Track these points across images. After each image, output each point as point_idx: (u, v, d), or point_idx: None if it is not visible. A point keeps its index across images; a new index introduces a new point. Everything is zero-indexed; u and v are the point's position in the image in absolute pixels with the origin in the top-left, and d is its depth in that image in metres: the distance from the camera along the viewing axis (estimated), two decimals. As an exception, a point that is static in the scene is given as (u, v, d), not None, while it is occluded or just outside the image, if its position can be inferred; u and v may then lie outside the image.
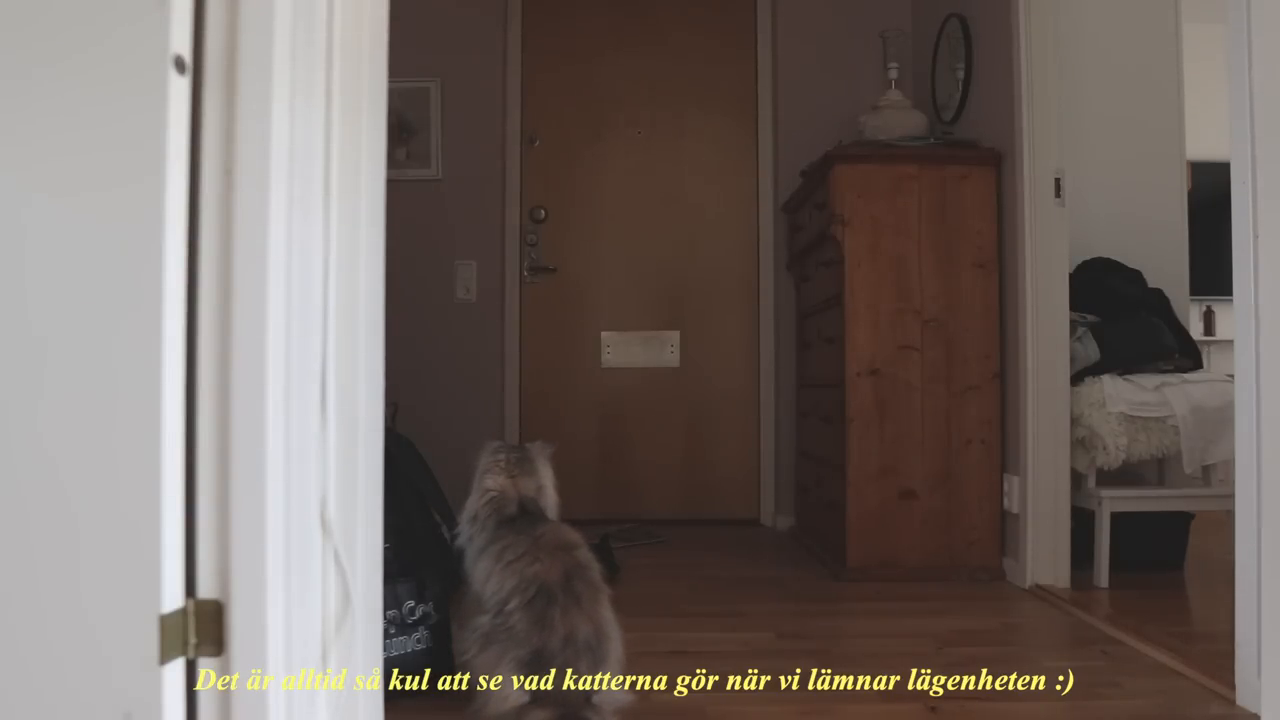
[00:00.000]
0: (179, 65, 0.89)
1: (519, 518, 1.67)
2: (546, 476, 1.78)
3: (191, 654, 0.90)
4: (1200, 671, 1.87)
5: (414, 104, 3.83)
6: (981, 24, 3.01)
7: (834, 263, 2.93)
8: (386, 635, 1.67)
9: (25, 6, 0.89)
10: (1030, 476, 2.64)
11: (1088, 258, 3.05)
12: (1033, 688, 1.80)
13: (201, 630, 0.90)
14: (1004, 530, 2.80)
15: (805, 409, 3.49)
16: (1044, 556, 2.64)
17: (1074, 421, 2.66)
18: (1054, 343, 2.66)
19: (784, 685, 1.81)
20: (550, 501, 1.76)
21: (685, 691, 1.78)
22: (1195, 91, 3.43)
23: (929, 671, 1.89)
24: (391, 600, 1.69)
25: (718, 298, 3.92)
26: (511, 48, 3.90)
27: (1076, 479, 2.71)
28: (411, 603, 1.75)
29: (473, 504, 1.72)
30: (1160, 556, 2.92)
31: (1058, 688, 1.80)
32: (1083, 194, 3.06)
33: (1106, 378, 2.68)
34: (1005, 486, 2.78)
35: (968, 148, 2.92)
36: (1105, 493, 2.65)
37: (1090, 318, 2.85)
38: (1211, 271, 3.53)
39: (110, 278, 0.87)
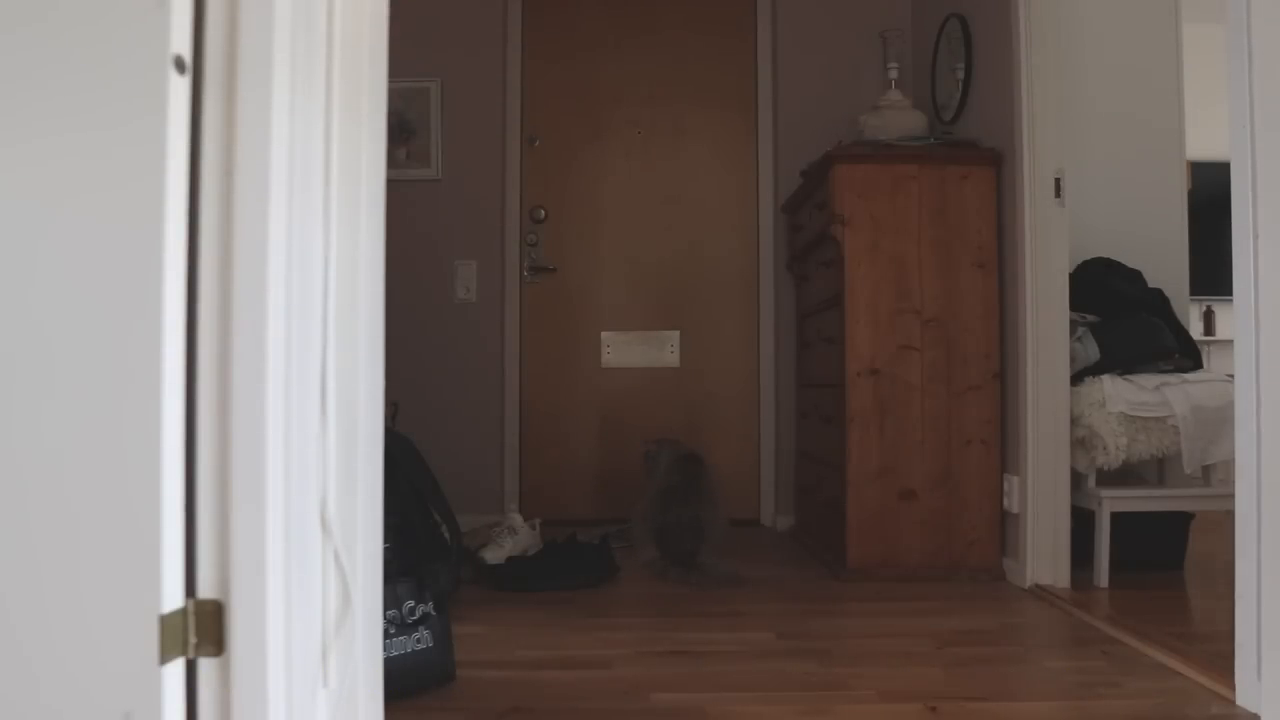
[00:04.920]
0: (179, 65, 0.89)
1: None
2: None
3: (191, 654, 0.90)
4: (1200, 671, 1.87)
5: (414, 104, 3.83)
6: (981, 24, 3.01)
7: (834, 262, 2.93)
8: (386, 635, 1.67)
9: (25, 6, 0.89)
10: (1030, 476, 2.64)
11: (1088, 258, 3.05)
12: (1033, 688, 1.81)
13: (201, 630, 0.90)
14: (1004, 530, 2.80)
15: (805, 409, 3.49)
16: (1044, 556, 2.64)
17: (1074, 421, 2.66)
18: (1054, 343, 2.66)
19: (783, 685, 1.81)
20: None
21: (685, 691, 1.78)
22: (1195, 91, 3.43)
23: (929, 671, 1.89)
24: (391, 600, 1.70)
25: (718, 298, 3.92)
26: (511, 48, 3.90)
27: (1076, 479, 2.71)
28: (411, 603, 1.75)
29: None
30: (1160, 556, 2.92)
31: (1057, 688, 1.80)
32: (1083, 194, 3.06)
33: (1106, 378, 2.68)
34: (1005, 486, 2.78)
35: (968, 148, 2.92)
36: (1105, 493, 2.65)
37: (1090, 318, 2.85)
38: (1211, 271, 3.53)
39: (110, 278, 0.87)
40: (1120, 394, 2.64)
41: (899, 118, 3.07)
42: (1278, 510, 1.62)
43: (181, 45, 0.89)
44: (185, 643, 0.89)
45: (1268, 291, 1.66)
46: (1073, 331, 2.74)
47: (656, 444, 3.19)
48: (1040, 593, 2.58)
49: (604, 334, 3.92)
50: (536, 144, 3.92)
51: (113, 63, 0.88)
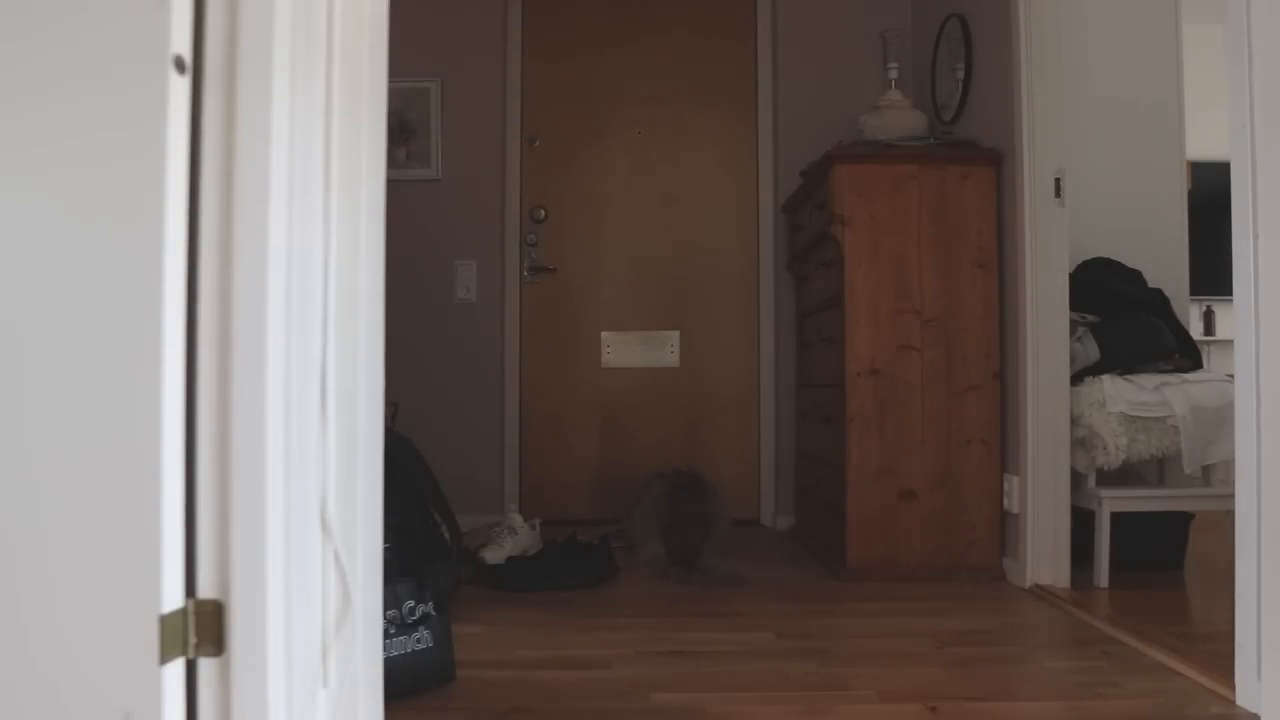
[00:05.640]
0: (179, 65, 0.89)
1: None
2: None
3: (191, 654, 0.90)
4: (1200, 671, 1.87)
5: (414, 104, 3.83)
6: (981, 24, 3.01)
7: (834, 263, 2.93)
8: (386, 635, 1.67)
9: (24, 6, 0.89)
10: (1030, 476, 2.64)
11: (1088, 258, 3.05)
12: (1033, 688, 1.81)
13: (201, 630, 0.90)
14: (1004, 530, 2.80)
15: (805, 409, 3.49)
16: (1044, 556, 2.64)
17: (1074, 421, 2.66)
18: (1054, 343, 2.66)
19: (783, 685, 1.81)
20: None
21: (685, 691, 1.78)
22: (1195, 91, 3.43)
23: (929, 671, 1.89)
24: (391, 600, 1.70)
25: (718, 298, 3.92)
26: (511, 48, 3.90)
27: (1076, 479, 2.71)
28: (411, 603, 1.75)
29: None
30: (1160, 556, 2.92)
31: (1057, 688, 1.80)
32: (1083, 194, 3.06)
33: (1106, 378, 2.68)
34: (1005, 486, 2.78)
35: (968, 148, 2.92)
36: (1105, 493, 2.65)
37: (1090, 318, 2.85)
38: (1211, 271, 3.53)
39: (109, 278, 0.87)
40: (1120, 394, 2.64)
41: (899, 118, 3.07)
42: (1278, 510, 1.62)
43: (181, 45, 0.89)
44: (185, 643, 0.89)
45: (1268, 291, 1.66)
46: (1073, 331, 2.74)
47: (657, 475, 3.26)
48: (1040, 593, 2.58)
49: (604, 334, 3.92)
50: (536, 144, 3.92)
51: (113, 62, 0.88)
